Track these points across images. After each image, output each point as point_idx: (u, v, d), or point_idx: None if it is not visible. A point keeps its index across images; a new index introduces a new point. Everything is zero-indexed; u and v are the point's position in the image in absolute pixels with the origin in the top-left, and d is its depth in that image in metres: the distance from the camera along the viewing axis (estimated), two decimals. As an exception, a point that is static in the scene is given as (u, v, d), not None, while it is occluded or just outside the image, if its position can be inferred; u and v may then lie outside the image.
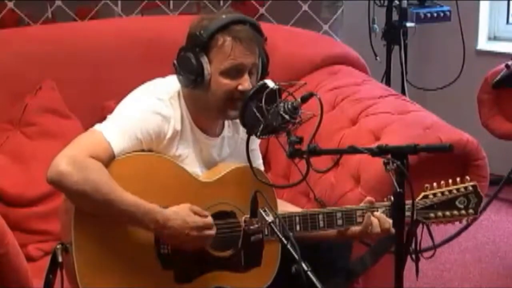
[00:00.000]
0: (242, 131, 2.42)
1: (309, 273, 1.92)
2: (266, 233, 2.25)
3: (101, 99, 2.95)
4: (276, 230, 2.07)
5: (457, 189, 2.33)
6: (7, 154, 2.83)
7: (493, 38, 4.71)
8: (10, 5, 3.64)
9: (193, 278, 2.27)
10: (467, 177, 2.35)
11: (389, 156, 1.97)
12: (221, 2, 3.86)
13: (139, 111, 2.28)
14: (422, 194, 2.31)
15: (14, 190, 2.76)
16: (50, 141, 2.85)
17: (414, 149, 1.98)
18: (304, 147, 2.07)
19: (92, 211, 2.18)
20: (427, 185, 2.33)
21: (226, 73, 2.26)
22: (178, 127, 2.31)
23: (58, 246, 2.20)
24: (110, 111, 2.35)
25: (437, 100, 4.15)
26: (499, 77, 3.80)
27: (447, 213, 2.32)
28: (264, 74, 2.34)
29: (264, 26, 3.67)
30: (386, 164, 1.98)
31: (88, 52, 3.11)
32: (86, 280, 2.18)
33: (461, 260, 3.67)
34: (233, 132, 2.45)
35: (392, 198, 2.27)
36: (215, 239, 2.26)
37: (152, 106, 2.28)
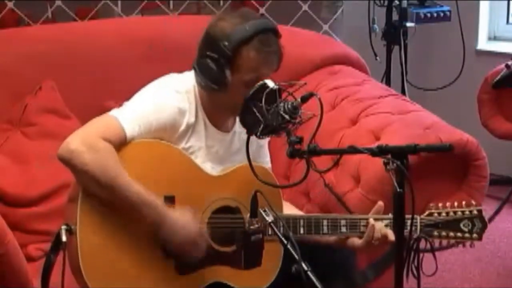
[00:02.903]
0: None
1: (309, 273, 1.92)
2: (270, 232, 2.25)
3: (101, 99, 2.95)
4: (276, 230, 2.07)
5: (462, 212, 2.34)
6: (7, 154, 2.83)
7: (493, 38, 4.71)
8: (10, 5, 3.64)
9: (193, 270, 2.28)
10: (473, 201, 2.36)
11: (389, 156, 1.97)
12: (221, 2, 3.86)
13: (156, 102, 2.30)
14: (427, 212, 2.33)
15: (14, 190, 2.75)
16: (50, 141, 2.85)
17: (414, 149, 1.98)
18: (304, 147, 2.07)
19: (96, 192, 2.18)
20: (432, 204, 2.33)
21: (248, 83, 2.26)
22: (192, 120, 2.33)
23: (63, 227, 2.20)
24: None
25: (437, 100, 4.15)
26: (499, 77, 3.80)
27: (451, 233, 2.34)
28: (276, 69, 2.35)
29: (264, 26, 3.64)
30: (386, 164, 1.97)
31: (88, 52, 3.11)
32: (88, 261, 2.18)
33: (461, 260, 3.67)
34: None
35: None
36: (219, 234, 2.28)
37: (169, 98, 2.31)
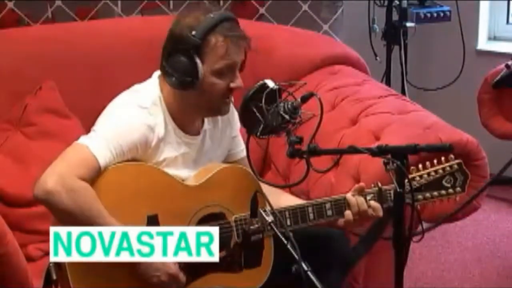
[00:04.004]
0: (221, 122, 2.46)
1: (309, 273, 1.92)
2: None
3: (101, 99, 2.92)
4: (276, 230, 2.07)
5: (443, 169, 2.33)
6: (7, 154, 2.83)
7: (493, 38, 4.71)
8: (10, 5, 3.64)
9: (188, 282, 2.28)
10: (451, 156, 2.34)
11: (389, 156, 1.97)
12: (221, 2, 3.86)
13: (124, 123, 2.27)
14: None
15: (14, 190, 2.76)
16: (50, 141, 2.85)
17: (414, 149, 1.98)
18: (304, 147, 2.07)
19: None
20: (412, 167, 2.33)
21: (219, 73, 2.27)
22: (162, 133, 2.31)
23: (51, 264, 2.20)
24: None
25: (437, 100, 4.15)
26: (499, 77, 3.80)
27: (435, 193, 2.34)
28: (242, 69, 2.35)
29: (264, 26, 3.68)
30: (386, 164, 1.98)
31: (88, 52, 3.11)
32: None
33: (461, 260, 3.67)
34: (213, 124, 2.46)
35: (379, 184, 2.29)
36: None
37: (136, 117, 2.28)
